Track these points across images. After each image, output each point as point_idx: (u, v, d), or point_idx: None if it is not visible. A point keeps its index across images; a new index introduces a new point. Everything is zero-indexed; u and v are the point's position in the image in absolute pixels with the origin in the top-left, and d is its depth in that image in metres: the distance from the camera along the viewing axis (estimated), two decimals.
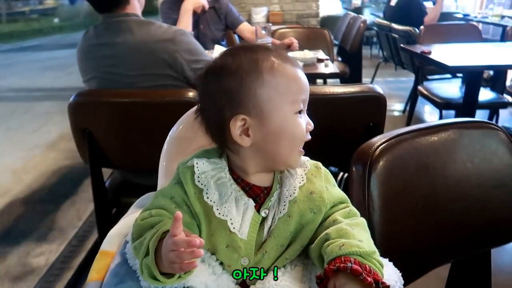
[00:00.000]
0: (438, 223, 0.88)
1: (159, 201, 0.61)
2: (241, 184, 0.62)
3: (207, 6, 2.34)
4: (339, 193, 0.65)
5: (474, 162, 0.90)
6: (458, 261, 0.96)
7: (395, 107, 3.82)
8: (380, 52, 5.14)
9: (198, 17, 2.34)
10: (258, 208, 0.61)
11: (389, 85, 4.61)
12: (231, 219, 0.59)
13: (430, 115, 3.64)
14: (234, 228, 0.58)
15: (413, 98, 3.07)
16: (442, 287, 1.01)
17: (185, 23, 1.93)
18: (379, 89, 1.30)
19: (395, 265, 0.63)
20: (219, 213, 0.59)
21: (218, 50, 2.16)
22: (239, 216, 0.59)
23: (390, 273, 0.60)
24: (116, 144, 1.34)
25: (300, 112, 0.61)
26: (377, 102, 1.29)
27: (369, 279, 0.49)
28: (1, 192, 2.48)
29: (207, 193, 0.59)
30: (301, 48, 2.37)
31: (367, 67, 4.80)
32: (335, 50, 3.67)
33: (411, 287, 0.80)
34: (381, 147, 0.83)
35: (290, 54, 2.08)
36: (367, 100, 1.29)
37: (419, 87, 2.87)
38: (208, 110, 0.62)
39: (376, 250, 0.55)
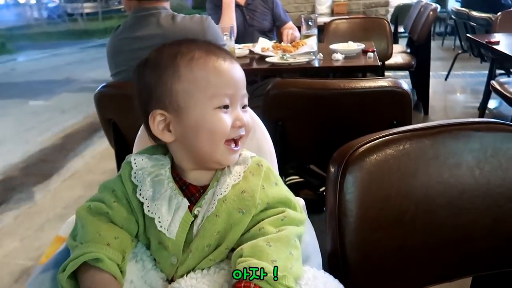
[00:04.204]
0: (433, 237, 0.78)
1: (100, 193, 0.62)
2: (179, 183, 0.61)
3: None
4: (279, 194, 0.60)
5: (484, 170, 0.78)
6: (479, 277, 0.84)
7: (472, 104, 3.45)
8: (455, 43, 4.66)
9: (243, 8, 2.34)
10: (193, 207, 0.59)
11: (469, 79, 4.17)
12: (159, 217, 0.58)
13: None
14: (161, 227, 0.57)
15: (486, 94, 2.75)
16: None
17: (228, 16, 1.93)
18: (404, 84, 1.19)
19: (373, 277, 0.62)
20: (148, 211, 0.58)
21: (262, 43, 2.12)
22: (169, 215, 0.58)
23: None
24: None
25: (225, 107, 0.58)
26: (400, 98, 1.18)
27: None
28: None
29: (140, 190, 0.59)
30: (356, 39, 2.24)
31: (447, 59, 4.40)
32: (404, 41, 3.41)
33: None
34: (362, 148, 0.75)
35: (333, 46, 1.98)
36: (389, 95, 1.18)
37: (492, 82, 2.55)
38: (137, 104, 0.62)
39: (288, 274, 0.51)
